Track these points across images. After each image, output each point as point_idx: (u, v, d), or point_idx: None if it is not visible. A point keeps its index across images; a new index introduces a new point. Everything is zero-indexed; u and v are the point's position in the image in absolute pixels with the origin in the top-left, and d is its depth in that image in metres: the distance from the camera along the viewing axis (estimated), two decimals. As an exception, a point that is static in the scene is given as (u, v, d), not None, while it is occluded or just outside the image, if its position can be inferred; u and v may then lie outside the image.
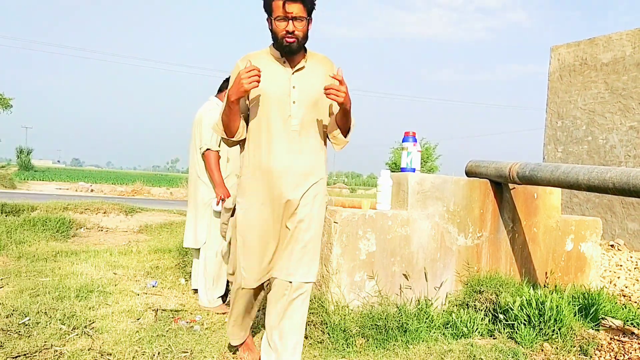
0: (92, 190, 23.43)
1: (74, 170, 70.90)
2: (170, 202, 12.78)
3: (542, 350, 3.13)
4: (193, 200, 4.01)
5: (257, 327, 3.34)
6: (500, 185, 3.91)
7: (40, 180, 31.43)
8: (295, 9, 2.27)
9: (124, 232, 7.52)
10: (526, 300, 3.31)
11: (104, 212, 8.04)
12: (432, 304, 3.46)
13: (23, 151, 43.44)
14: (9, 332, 3.03)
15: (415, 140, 3.75)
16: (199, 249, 3.97)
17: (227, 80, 4.04)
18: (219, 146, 3.83)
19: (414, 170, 3.76)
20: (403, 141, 3.76)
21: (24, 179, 29.70)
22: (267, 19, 2.39)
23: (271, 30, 2.37)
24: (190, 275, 4.44)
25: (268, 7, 2.34)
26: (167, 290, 4.33)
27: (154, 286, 4.42)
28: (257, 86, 2.24)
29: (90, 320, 3.37)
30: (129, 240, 6.90)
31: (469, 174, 4.14)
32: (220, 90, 4.08)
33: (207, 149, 3.80)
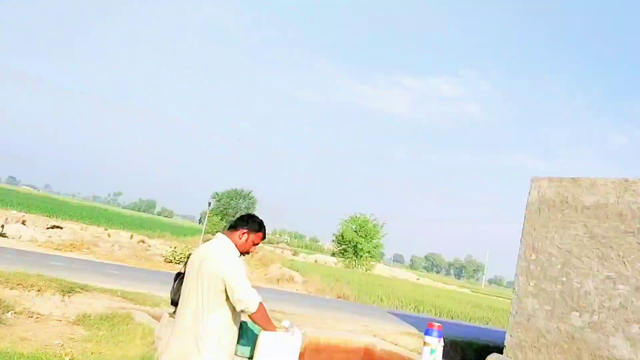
0: (24, 222, 21.76)
1: (8, 190, 66.81)
2: (115, 275, 11.42)
3: None
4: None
5: None
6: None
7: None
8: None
9: (57, 322, 6.61)
10: None
11: (39, 290, 7.11)
12: None
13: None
14: None
15: (440, 335, 3.27)
16: None
17: (242, 219, 3.41)
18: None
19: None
20: (426, 334, 3.29)
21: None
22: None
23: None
24: None
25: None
26: None
27: None
28: None
29: None
30: (62, 339, 6.01)
31: None
32: (234, 227, 3.38)
33: (259, 302, 3.13)
